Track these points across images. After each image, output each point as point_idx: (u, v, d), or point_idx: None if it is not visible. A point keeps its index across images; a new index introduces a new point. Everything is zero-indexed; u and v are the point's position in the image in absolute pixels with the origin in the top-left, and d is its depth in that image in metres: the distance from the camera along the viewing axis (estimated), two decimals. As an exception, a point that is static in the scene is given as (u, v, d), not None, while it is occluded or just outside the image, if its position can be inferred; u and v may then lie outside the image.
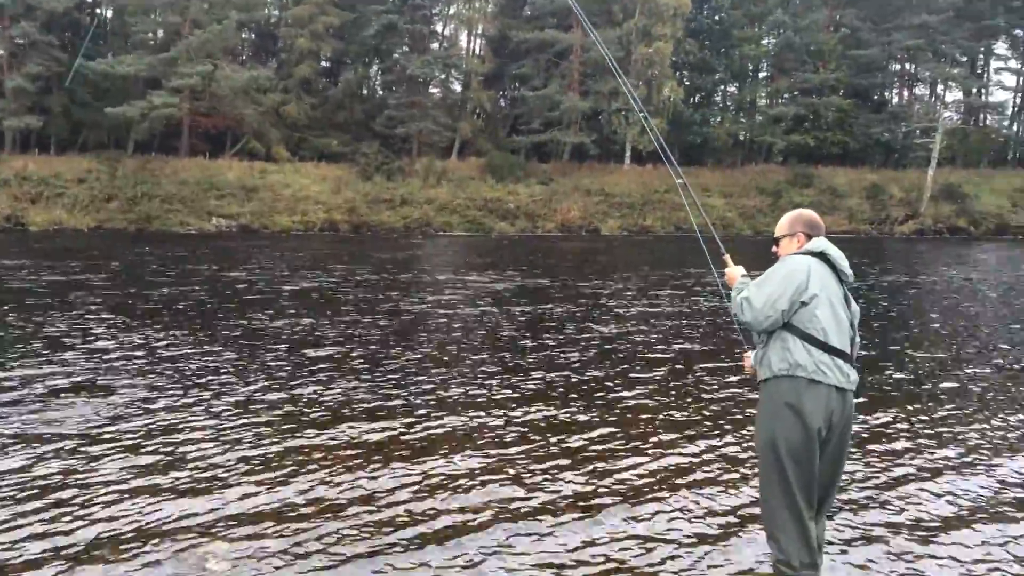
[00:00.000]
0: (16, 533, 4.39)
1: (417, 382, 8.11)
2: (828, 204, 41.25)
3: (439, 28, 50.76)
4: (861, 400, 6.64)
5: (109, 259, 20.79)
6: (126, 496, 4.93)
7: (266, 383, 7.87)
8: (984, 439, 6.58)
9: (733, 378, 8.40)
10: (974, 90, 53.05)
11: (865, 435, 6.53)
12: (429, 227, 37.20)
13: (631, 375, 8.66)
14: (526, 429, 6.56)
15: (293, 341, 10.09)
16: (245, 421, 6.57)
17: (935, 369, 9.47)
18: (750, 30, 50.07)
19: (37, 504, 4.77)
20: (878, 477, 5.62)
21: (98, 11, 45.60)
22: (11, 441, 5.90)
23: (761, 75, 53.79)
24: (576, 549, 4.36)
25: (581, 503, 5.02)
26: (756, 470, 4.23)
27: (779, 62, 49.93)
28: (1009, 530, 4.73)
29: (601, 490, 5.26)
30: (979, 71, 55.84)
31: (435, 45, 48.75)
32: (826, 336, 3.57)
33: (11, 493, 4.92)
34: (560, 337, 10.91)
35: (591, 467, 5.68)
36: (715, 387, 8.18)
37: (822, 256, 3.74)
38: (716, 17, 51.98)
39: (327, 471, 5.46)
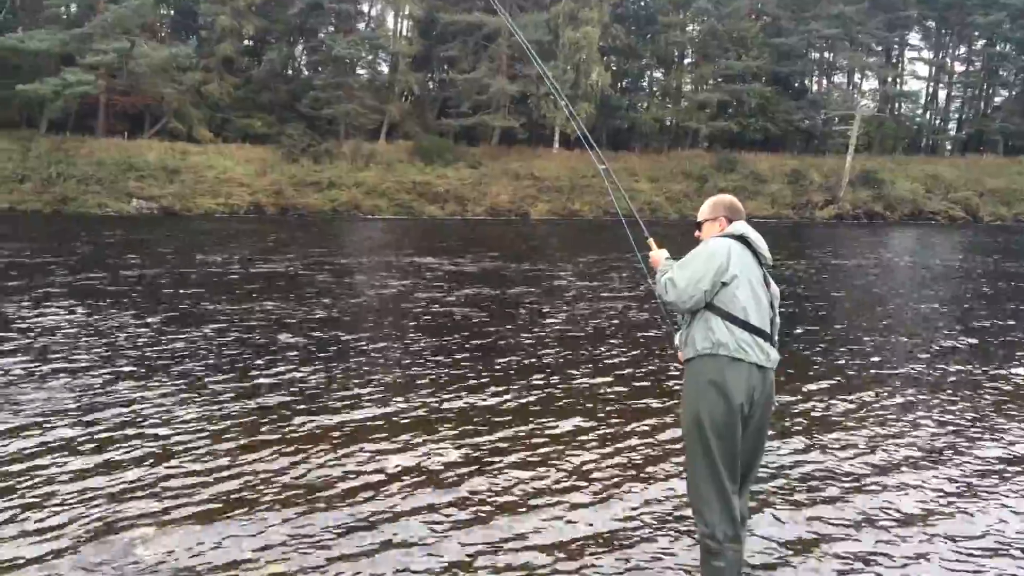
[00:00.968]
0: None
1: (371, 368, 8.07)
2: (751, 189, 42.25)
3: (365, 8, 49.97)
4: (791, 381, 6.93)
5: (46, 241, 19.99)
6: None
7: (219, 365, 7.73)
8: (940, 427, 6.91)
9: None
10: (889, 79, 54.90)
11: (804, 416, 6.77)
12: (358, 210, 36.76)
13: (582, 356, 8.78)
14: (488, 415, 6.61)
15: (239, 326, 9.91)
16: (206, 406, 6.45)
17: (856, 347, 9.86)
18: (675, 16, 50.70)
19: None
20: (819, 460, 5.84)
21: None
22: None
23: (686, 61, 54.57)
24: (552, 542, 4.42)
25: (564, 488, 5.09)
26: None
27: (703, 48, 50.74)
28: (982, 516, 4.93)
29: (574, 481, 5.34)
30: (894, 60, 57.83)
31: (362, 26, 48.00)
32: (746, 315, 3.68)
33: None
34: (517, 321, 10.97)
35: (561, 454, 5.76)
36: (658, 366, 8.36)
37: (742, 239, 3.86)
38: (642, 3, 52.51)
39: (284, 457, 5.42)
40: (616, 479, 5.27)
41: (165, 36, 46.09)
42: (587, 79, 43.11)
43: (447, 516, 4.61)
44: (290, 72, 48.65)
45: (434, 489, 4.98)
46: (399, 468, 5.32)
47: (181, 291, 12.77)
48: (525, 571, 4.03)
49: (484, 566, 4.07)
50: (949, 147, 57.22)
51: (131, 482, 4.94)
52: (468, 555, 4.16)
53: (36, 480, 4.94)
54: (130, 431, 5.90)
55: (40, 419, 6.09)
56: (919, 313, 13.00)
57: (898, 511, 4.88)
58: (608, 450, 5.80)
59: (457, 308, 11.96)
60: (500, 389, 7.37)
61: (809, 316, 12.25)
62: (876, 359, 9.20)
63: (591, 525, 4.58)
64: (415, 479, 5.14)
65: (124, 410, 6.39)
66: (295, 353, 8.62)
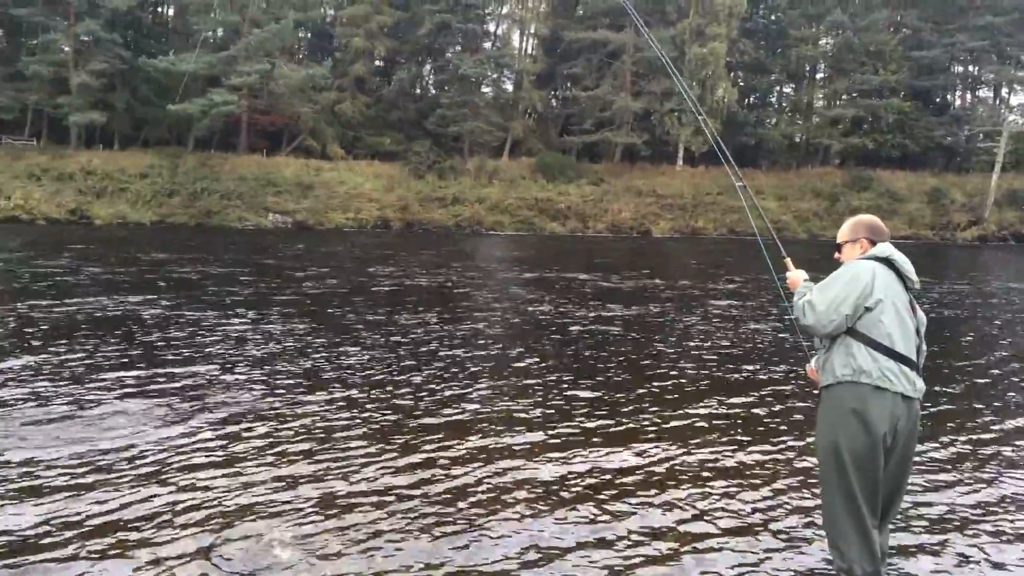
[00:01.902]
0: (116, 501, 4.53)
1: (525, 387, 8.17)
2: (887, 208, 40.47)
3: (492, 28, 51.07)
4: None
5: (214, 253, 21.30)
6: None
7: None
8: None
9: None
10: (1040, 93, 51.65)
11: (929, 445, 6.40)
12: (480, 225, 37.38)
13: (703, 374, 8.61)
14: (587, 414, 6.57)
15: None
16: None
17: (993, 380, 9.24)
18: (807, 30, 49.32)
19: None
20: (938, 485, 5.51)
21: (159, 9, 46.80)
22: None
23: (818, 76, 52.94)
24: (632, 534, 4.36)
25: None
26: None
27: (837, 63, 49.09)
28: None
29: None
30: (1046, 74, 54.31)
31: (487, 45, 49.02)
32: (892, 342, 3.51)
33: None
34: (648, 336, 10.89)
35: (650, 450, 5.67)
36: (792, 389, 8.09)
37: (887, 262, 3.69)
38: (772, 17, 51.37)
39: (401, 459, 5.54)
40: (751, 508, 5.11)
41: (303, 58, 48.46)
42: (713, 95, 42.50)
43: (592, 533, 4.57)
44: (418, 91, 50.15)
45: (575, 508, 4.95)
46: (554, 478, 5.33)
47: (355, 300, 13.38)
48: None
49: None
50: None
51: (306, 496, 5.13)
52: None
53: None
54: (304, 438, 6.14)
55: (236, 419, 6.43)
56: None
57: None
58: (745, 478, 5.63)
59: (601, 326, 11.93)
60: (654, 409, 7.27)
61: (952, 343, 11.57)
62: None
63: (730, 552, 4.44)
64: (572, 493, 5.13)
65: (308, 416, 6.61)
66: (457, 370, 8.77)
